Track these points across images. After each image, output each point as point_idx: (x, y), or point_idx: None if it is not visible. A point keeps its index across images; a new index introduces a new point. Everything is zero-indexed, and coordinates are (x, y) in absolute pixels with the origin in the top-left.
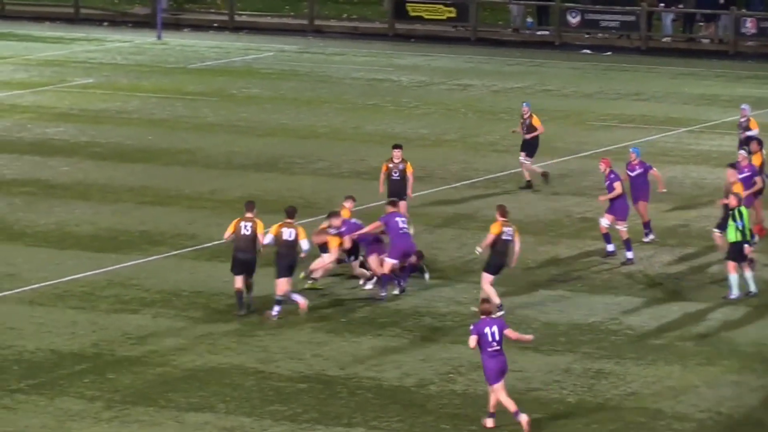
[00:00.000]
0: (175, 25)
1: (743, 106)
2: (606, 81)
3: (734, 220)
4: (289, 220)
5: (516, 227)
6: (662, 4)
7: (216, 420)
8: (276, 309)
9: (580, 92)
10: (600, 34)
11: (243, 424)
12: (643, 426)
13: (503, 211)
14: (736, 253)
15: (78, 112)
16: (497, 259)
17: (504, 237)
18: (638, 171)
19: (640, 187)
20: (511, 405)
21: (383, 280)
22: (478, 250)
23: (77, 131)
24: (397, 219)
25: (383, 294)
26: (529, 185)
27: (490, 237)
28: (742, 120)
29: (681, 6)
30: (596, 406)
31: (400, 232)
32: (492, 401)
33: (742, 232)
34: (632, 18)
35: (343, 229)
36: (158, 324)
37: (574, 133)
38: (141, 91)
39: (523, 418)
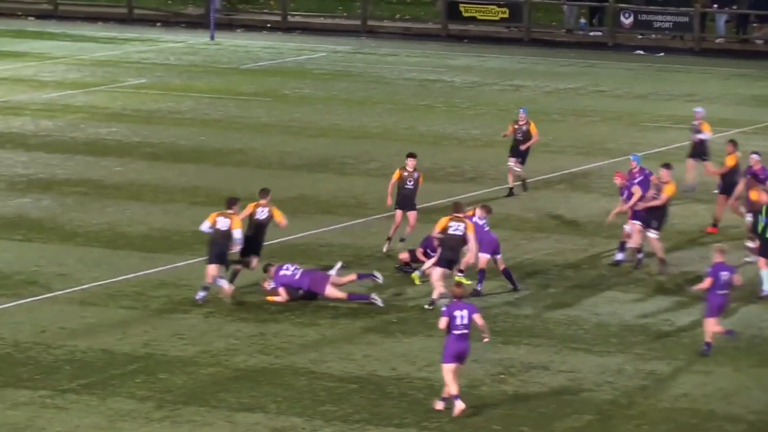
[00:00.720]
0: (228, 26)
1: (697, 109)
2: (659, 82)
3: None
4: (228, 211)
5: (470, 223)
6: (715, 5)
7: (267, 420)
8: (200, 294)
9: (633, 93)
10: (653, 35)
11: (294, 424)
12: (695, 427)
13: (457, 208)
14: (766, 248)
15: (131, 112)
16: (446, 253)
17: (451, 232)
18: (639, 178)
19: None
20: (454, 388)
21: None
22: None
23: (129, 131)
24: (476, 219)
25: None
26: (511, 192)
27: (435, 231)
28: (695, 123)
29: (734, 7)
30: (648, 407)
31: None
32: (451, 380)
33: None
34: (685, 19)
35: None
36: (210, 324)
37: (627, 134)
38: (194, 92)
39: (459, 405)
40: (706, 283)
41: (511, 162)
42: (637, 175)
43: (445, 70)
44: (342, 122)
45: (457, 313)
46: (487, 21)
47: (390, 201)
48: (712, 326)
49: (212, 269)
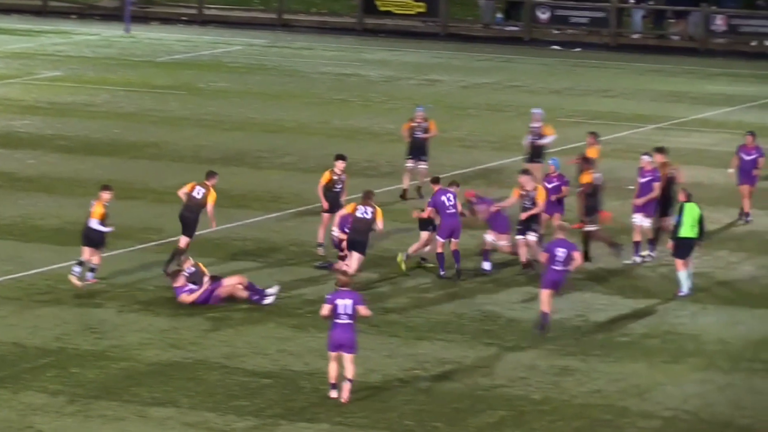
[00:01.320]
0: (144, 18)
1: (534, 110)
2: (575, 77)
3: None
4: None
5: (380, 209)
6: (632, 1)
7: (179, 415)
8: (89, 275)
9: (549, 88)
10: (569, 30)
11: (207, 419)
12: (609, 424)
13: (368, 195)
14: (680, 249)
15: (45, 104)
16: (353, 235)
17: (359, 215)
18: (555, 183)
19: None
20: (333, 376)
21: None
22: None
23: (44, 124)
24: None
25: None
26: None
27: (344, 213)
28: (535, 126)
29: (651, 2)
30: (561, 403)
31: (447, 212)
32: (332, 369)
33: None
34: (602, 14)
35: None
36: (123, 318)
37: None
38: (108, 85)
39: (333, 395)
40: (543, 257)
41: (410, 163)
42: (555, 180)
43: (360, 64)
44: (257, 116)
45: (340, 302)
46: (403, 15)
47: (326, 205)
48: (545, 298)
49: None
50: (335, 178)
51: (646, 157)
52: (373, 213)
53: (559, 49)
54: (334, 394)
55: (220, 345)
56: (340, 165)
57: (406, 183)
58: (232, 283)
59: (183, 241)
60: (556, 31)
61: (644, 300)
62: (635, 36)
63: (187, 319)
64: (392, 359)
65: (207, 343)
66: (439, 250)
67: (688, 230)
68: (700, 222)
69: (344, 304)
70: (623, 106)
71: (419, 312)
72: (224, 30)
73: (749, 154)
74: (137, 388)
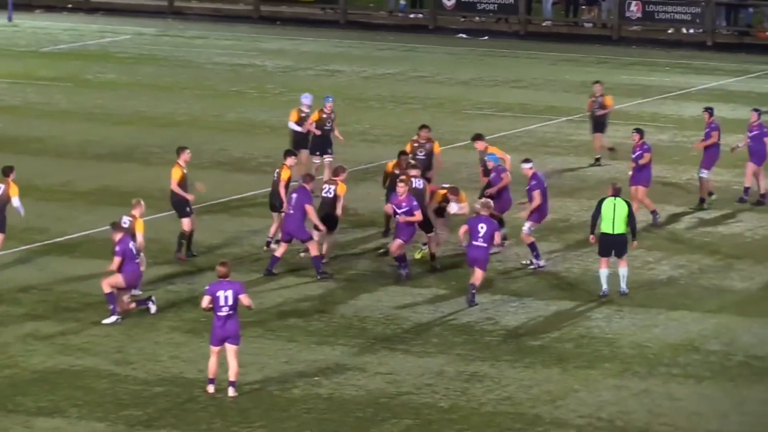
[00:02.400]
0: (27, 6)
1: (305, 97)
2: (483, 67)
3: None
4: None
5: (341, 186)
6: None
7: (67, 425)
8: None
9: (456, 79)
10: (477, 18)
11: (96, 429)
12: None
13: (336, 171)
14: (601, 245)
15: None
16: (320, 212)
17: (323, 194)
18: (492, 175)
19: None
20: (213, 371)
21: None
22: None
23: None
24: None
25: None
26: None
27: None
28: (305, 110)
29: None
30: (470, 411)
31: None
32: (213, 364)
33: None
34: (511, 1)
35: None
36: (5, 323)
37: (449, 122)
38: None
39: (211, 390)
40: (462, 230)
41: (318, 159)
42: (493, 173)
43: (257, 54)
44: (147, 109)
45: (221, 293)
46: (301, 2)
47: (286, 207)
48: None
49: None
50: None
51: (526, 165)
52: (335, 189)
53: (466, 37)
54: (211, 389)
55: (110, 351)
56: (290, 160)
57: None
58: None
59: None
60: (463, 19)
61: (557, 302)
62: (546, 23)
63: (75, 324)
64: (291, 366)
65: (96, 350)
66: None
67: (608, 226)
68: (630, 218)
69: (225, 295)
70: (534, 98)
71: (320, 315)
72: (112, 18)
73: (751, 131)
74: (22, 398)
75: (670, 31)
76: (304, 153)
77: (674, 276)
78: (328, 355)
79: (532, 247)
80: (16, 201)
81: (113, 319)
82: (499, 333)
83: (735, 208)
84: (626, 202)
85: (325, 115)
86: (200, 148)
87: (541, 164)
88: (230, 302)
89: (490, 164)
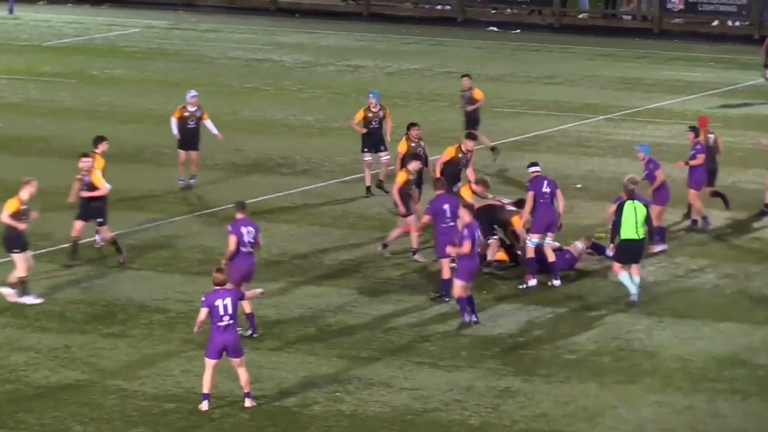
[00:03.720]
0: None
1: (190, 95)
2: (514, 62)
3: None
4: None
5: None
6: None
7: None
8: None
9: (486, 75)
10: (508, 10)
11: None
12: None
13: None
14: (621, 252)
15: None
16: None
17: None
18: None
19: None
20: (207, 386)
21: None
22: None
23: None
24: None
25: None
26: (369, 192)
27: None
28: (192, 109)
29: None
30: (502, 429)
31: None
32: (208, 378)
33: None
34: None
35: None
36: (6, 335)
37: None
38: None
39: (204, 407)
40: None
41: (368, 157)
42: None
43: (273, 48)
44: (157, 107)
45: (219, 302)
46: None
47: (402, 210)
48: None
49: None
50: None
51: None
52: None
53: (497, 30)
54: (205, 406)
55: (118, 365)
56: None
57: (368, 180)
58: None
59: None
60: (494, 11)
61: (594, 313)
62: (582, 16)
63: (80, 336)
64: (311, 380)
65: (103, 363)
66: (462, 293)
67: (632, 230)
68: (648, 221)
69: (224, 304)
70: (569, 95)
71: (342, 327)
72: (120, 10)
73: None
74: (24, 414)
75: (714, 24)
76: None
77: (720, 285)
78: (350, 369)
79: (530, 263)
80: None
81: None
82: (533, 346)
83: None
84: (644, 204)
85: (371, 114)
86: (214, 149)
87: (576, 166)
88: (230, 311)
89: (640, 155)
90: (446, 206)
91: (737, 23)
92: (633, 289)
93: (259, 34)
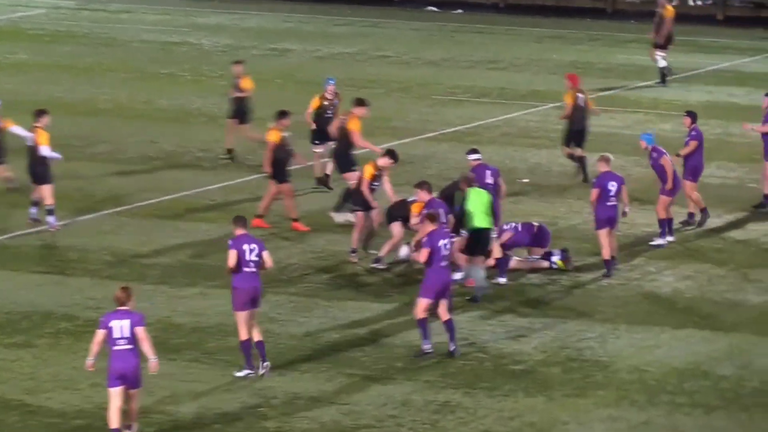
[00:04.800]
0: None
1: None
2: (455, 45)
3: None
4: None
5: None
6: None
7: None
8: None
9: (424, 59)
10: None
11: None
12: None
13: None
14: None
15: None
16: None
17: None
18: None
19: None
20: (115, 421)
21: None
22: None
23: None
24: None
25: None
26: (326, 185)
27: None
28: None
29: None
30: None
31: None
32: (114, 411)
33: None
34: None
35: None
36: None
37: (416, 109)
38: None
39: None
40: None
41: (319, 149)
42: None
43: (191, 30)
44: (65, 95)
45: (115, 323)
46: None
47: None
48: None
49: None
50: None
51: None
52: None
53: (436, 10)
54: None
55: (21, 378)
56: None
57: (319, 171)
58: None
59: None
60: None
61: (542, 320)
62: None
63: None
64: (232, 395)
65: (4, 376)
66: (422, 315)
67: (481, 219)
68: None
69: (120, 325)
70: (515, 81)
71: (264, 335)
72: None
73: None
74: None
75: (674, 3)
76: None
77: (680, 288)
78: (274, 382)
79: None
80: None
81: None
82: (475, 356)
83: (750, 210)
84: (486, 191)
85: (326, 102)
86: (126, 140)
87: (523, 159)
88: (127, 334)
89: (643, 144)
90: (441, 211)
91: (698, 2)
92: (483, 283)
93: (175, 14)
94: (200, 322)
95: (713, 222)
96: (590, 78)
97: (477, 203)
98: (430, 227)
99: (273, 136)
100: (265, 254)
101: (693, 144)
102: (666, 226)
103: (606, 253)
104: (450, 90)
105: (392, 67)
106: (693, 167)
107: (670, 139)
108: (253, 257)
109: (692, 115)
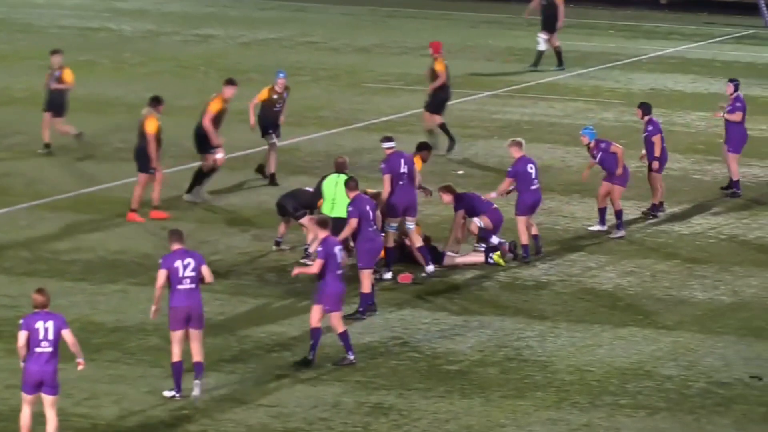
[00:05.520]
0: None
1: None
2: (387, 31)
3: None
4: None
5: None
6: None
7: None
8: None
9: (354, 45)
10: None
11: None
12: None
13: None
14: None
15: None
16: None
17: None
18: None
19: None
20: (26, 427)
21: None
22: None
23: None
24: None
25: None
26: (272, 179)
27: None
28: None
29: None
30: None
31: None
32: (26, 418)
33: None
34: None
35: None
36: None
37: (346, 98)
38: None
39: None
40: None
41: (274, 138)
42: (594, 150)
43: (111, 15)
44: None
45: (40, 324)
46: None
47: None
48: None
49: None
50: None
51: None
52: None
53: None
54: None
55: None
56: None
57: (273, 167)
58: None
59: None
60: None
61: (478, 318)
62: None
63: None
64: (155, 396)
65: None
66: (317, 323)
67: (329, 207)
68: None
69: (45, 327)
70: (450, 68)
71: None
72: None
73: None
74: None
75: None
76: None
77: (621, 285)
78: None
79: (387, 252)
80: None
81: None
82: (408, 356)
83: (696, 202)
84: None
85: (276, 95)
86: (42, 132)
87: (457, 150)
88: (50, 336)
89: (585, 139)
90: (368, 207)
91: None
92: None
93: None
94: (121, 321)
95: (658, 215)
96: (527, 65)
97: (331, 189)
98: (322, 233)
99: (152, 125)
100: (204, 269)
101: (657, 139)
102: (602, 215)
103: (524, 239)
104: (381, 77)
105: (320, 54)
106: (662, 160)
107: (608, 128)
108: (189, 273)
109: (645, 107)
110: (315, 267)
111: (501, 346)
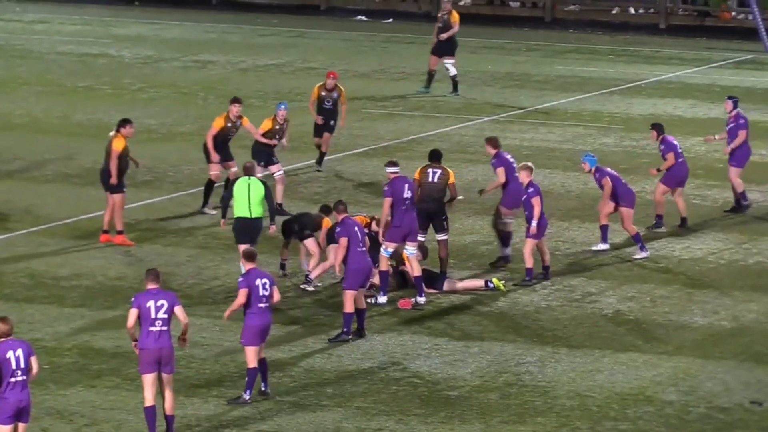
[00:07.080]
0: None
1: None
2: (386, 56)
3: None
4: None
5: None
6: None
7: None
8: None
9: (353, 71)
10: None
11: None
12: None
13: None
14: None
15: None
16: None
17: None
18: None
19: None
20: None
21: None
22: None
23: None
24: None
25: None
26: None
27: None
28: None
29: None
30: None
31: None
32: None
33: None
34: None
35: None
36: None
37: (347, 123)
38: None
39: None
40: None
41: (275, 168)
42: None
43: (111, 41)
44: None
45: (10, 354)
46: None
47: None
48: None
49: None
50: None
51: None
52: None
53: (366, 20)
54: None
55: None
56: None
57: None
58: None
59: None
60: None
61: (478, 343)
62: (464, 2)
63: None
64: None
65: None
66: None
67: (244, 209)
68: (267, 200)
69: (16, 356)
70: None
71: (188, 360)
72: None
73: (727, 125)
74: None
75: (614, 12)
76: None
77: (621, 310)
78: (198, 408)
79: (381, 276)
80: None
81: None
82: (408, 381)
83: (695, 227)
84: (261, 182)
85: (278, 126)
86: (42, 157)
87: (457, 175)
88: (22, 364)
89: (586, 166)
90: (356, 228)
91: (641, 11)
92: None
93: (93, 25)
94: (121, 347)
95: (658, 241)
96: (526, 90)
97: (243, 192)
98: (248, 265)
99: (118, 144)
100: (178, 310)
101: (670, 156)
102: (605, 234)
103: (529, 263)
104: (380, 103)
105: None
106: (671, 177)
107: (608, 153)
108: (161, 315)
109: (658, 128)
110: (240, 298)
111: (501, 372)
